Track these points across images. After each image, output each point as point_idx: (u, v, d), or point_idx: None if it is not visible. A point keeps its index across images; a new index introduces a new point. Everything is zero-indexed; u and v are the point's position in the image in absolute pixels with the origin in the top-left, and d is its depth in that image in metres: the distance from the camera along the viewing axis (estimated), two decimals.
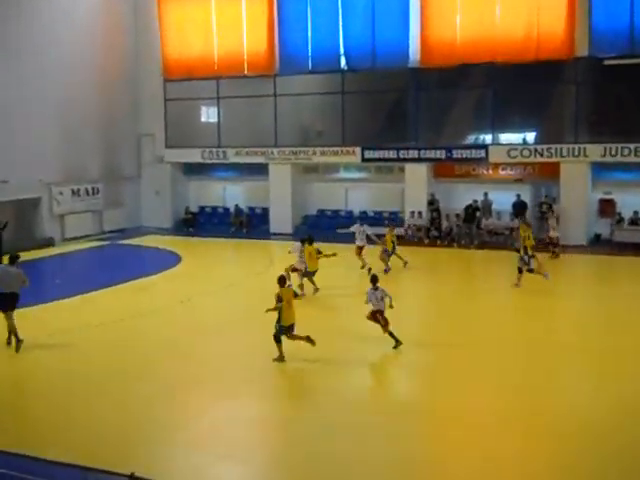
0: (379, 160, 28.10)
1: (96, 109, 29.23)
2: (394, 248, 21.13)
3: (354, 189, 29.71)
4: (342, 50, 27.87)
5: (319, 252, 17.82)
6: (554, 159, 25.23)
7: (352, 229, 21.30)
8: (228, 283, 19.71)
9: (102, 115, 29.60)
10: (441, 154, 26.87)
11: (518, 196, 26.13)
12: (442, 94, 27.89)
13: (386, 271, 20.24)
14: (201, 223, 31.15)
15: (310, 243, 17.70)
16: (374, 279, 13.56)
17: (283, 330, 12.55)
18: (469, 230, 26.06)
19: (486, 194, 26.58)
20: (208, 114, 31.76)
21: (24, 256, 23.60)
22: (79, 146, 28.43)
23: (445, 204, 27.16)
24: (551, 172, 25.56)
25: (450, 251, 25.17)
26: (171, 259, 23.57)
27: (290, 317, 12.58)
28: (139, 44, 31.10)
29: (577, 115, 25.27)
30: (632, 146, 23.97)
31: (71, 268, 24.40)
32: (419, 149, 27.13)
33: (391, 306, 13.26)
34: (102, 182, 29.54)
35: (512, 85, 26.12)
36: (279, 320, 12.54)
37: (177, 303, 17.28)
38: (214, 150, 30.22)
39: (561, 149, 25.05)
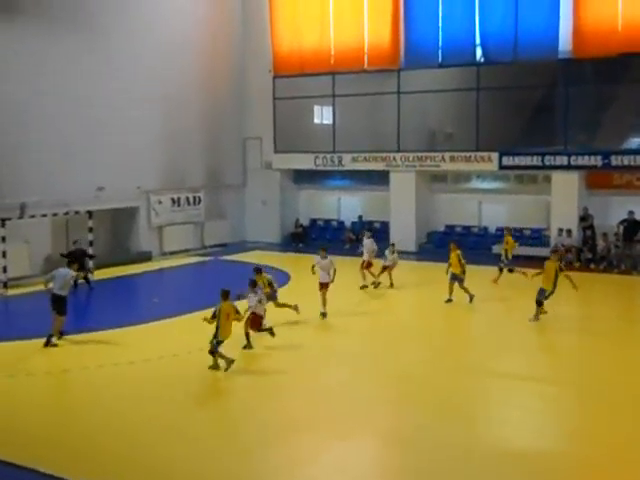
0: (520, 168, 26.66)
1: (198, 109, 29.34)
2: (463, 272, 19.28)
3: (489, 202, 28.28)
4: (478, 40, 26.84)
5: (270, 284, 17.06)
6: None
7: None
8: (341, 308, 19.04)
9: (204, 116, 29.68)
10: (596, 160, 25.12)
11: None
12: (598, 89, 26.12)
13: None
14: (312, 238, 30.55)
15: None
16: (253, 283, 15.82)
17: (218, 345, 13.67)
18: (630, 251, 24.27)
19: None
20: (322, 115, 31.25)
21: (118, 271, 24.36)
22: (179, 150, 28.54)
23: (601, 221, 25.31)
24: None
25: (606, 278, 23.45)
26: (279, 278, 23.10)
27: (227, 332, 13.72)
28: (246, 36, 31.05)
29: None
30: None
31: (169, 286, 24.49)
32: (569, 154, 25.48)
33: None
34: (204, 190, 29.59)
35: None
36: (216, 335, 13.60)
37: (281, 328, 16.75)
38: (328, 156, 29.65)
39: None
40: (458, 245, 19.92)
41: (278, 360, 15.01)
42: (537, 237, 26.91)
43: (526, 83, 26.78)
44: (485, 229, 28.31)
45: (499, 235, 27.47)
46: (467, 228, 28.58)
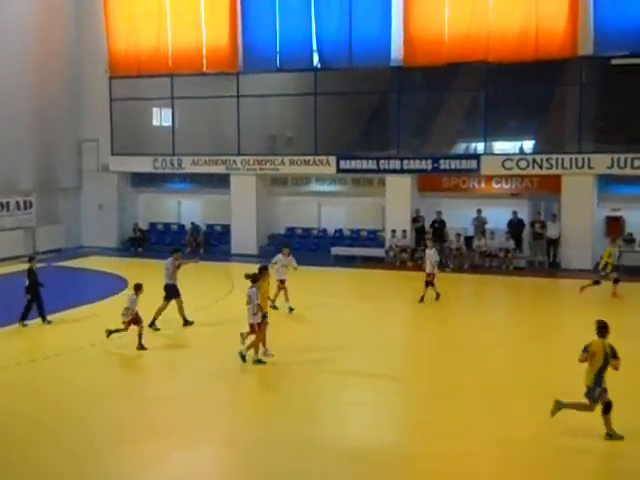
0: (356, 171, 27.34)
1: (29, 109, 27.93)
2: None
3: (328, 204, 28.87)
4: (315, 46, 27.21)
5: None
6: (555, 171, 24.69)
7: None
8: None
9: (36, 117, 28.29)
10: (427, 165, 26.24)
11: (514, 213, 25.65)
12: (428, 96, 27.48)
13: None
14: (152, 242, 29.94)
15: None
16: None
17: None
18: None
19: (479, 211, 25.93)
20: (161, 117, 30.81)
21: None
22: (9, 152, 26.98)
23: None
24: (552, 186, 25.04)
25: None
26: (116, 284, 22.45)
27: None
28: (81, 36, 29.92)
29: (581, 121, 24.75)
30: None
31: None
32: (402, 159, 26.45)
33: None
34: (36, 194, 28.23)
35: (507, 87, 25.81)
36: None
37: (117, 337, 16.32)
38: (168, 158, 29.20)
39: (562, 160, 24.53)
40: None
41: (128, 365, 14.66)
42: (373, 238, 27.76)
43: (361, 89, 27.64)
44: (324, 231, 28.84)
45: (338, 237, 28.19)
46: (307, 230, 29.00)
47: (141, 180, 30.94)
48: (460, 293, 22.07)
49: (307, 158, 27.61)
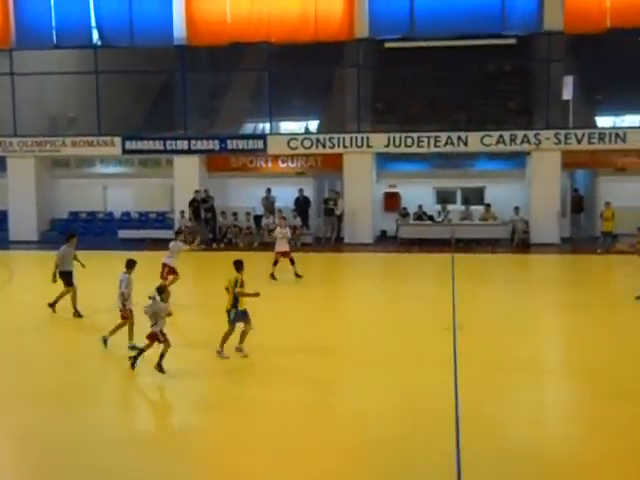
0: (143, 152, 26.82)
1: None
2: None
3: (114, 186, 28.05)
4: (94, 22, 26.21)
5: None
6: (337, 150, 25.57)
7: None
8: None
9: None
10: (214, 145, 26.20)
11: (301, 191, 26.24)
12: (214, 76, 27.43)
13: None
14: None
15: None
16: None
17: None
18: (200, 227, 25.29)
19: (269, 190, 26.22)
20: None
21: None
22: None
23: (221, 202, 26.56)
24: (335, 164, 25.91)
25: (228, 255, 24.45)
26: None
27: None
28: None
29: (360, 102, 25.81)
30: (415, 135, 24.95)
31: None
32: (189, 139, 26.26)
33: None
34: None
35: (290, 68, 26.38)
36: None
37: None
38: None
39: (344, 139, 25.45)
40: None
41: None
42: (162, 220, 27.27)
43: (145, 68, 27.03)
44: (111, 214, 27.95)
45: (125, 220, 27.40)
46: (92, 214, 27.98)
47: None
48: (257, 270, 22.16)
49: (90, 139, 26.61)
